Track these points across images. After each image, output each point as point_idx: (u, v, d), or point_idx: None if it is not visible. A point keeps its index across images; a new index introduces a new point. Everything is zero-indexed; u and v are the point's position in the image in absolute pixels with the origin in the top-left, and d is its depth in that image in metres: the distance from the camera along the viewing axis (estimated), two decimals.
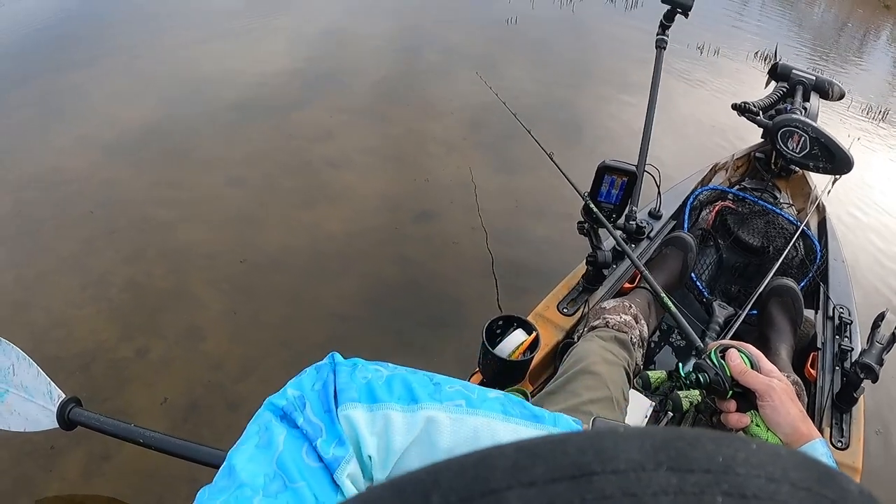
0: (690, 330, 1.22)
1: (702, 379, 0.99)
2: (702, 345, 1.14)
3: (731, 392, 0.98)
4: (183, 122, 4.28)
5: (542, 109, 4.61)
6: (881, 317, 1.77)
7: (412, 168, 3.95)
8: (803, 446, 0.89)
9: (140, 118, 4.25)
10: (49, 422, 1.94)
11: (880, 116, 6.01)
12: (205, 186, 3.62)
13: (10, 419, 1.98)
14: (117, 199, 3.45)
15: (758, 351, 1.00)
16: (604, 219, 1.76)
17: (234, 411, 2.33)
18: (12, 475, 2.10)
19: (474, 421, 0.79)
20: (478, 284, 3.02)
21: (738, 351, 1.00)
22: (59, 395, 1.95)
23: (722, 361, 0.99)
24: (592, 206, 1.74)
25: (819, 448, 0.89)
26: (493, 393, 0.85)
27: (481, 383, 1.62)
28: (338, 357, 0.83)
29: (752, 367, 0.97)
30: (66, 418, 1.91)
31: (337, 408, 0.75)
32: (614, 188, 1.74)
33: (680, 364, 1.06)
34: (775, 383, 0.94)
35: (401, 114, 4.63)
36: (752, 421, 0.97)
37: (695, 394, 1.01)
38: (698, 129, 4.84)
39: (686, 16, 2.22)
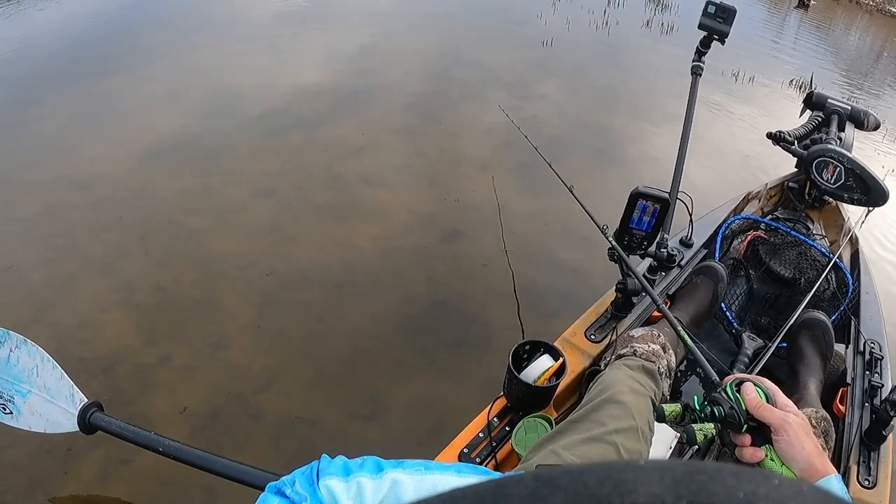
0: (706, 363, 1.20)
1: (716, 412, 0.98)
2: (717, 378, 1.11)
3: (745, 426, 0.96)
4: (217, 132, 4.33)
5: (575, 133, 4.61)
6: None
7: (443, 187, 3.95)
8: (818, 482, 0.87)
9: (174, 126, 4.31)
10: (70, 424, 1.95)
11: None
12: (236, 197, 3.65)
13: (32, 419, 2.00)
14: (149, 205, 3.49)
15: (773, 385, 0.99)
16: (624, 256, 1.75)
17: (255, 422, 2.33)
18: (29, 473, 2.12)
19: (433, 478, 0.93)
20: (505, 307, 3.00)
21: (754, 385, 0.98)
22: (81, 399, 1.96)
23: (737, 395, 0.97)
24: (614, 243, 1.73)
25: (834, 484, 0.88)
26: (450, 464, 0.99)
27: (506, 407, 1.61)
28: (325, 457, 0.95)
29: (767, 401, 0.96)
30: (86, 422, 1.92)
31: (318, 481, 0.88)
32: (646, 215, 1.72)
33: (696, 397, 1.05)
34: (791, 418, 0.93)
35: (434, 132, 4.64)
36: (766, 455, 0.95)
37: (709, 427, 1.00)
38: (732, 157, 4.80)
39: (723, 42, 2.21)
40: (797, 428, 0.91)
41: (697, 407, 1.02)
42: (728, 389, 0.98)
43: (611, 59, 6.76)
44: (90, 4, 6.54)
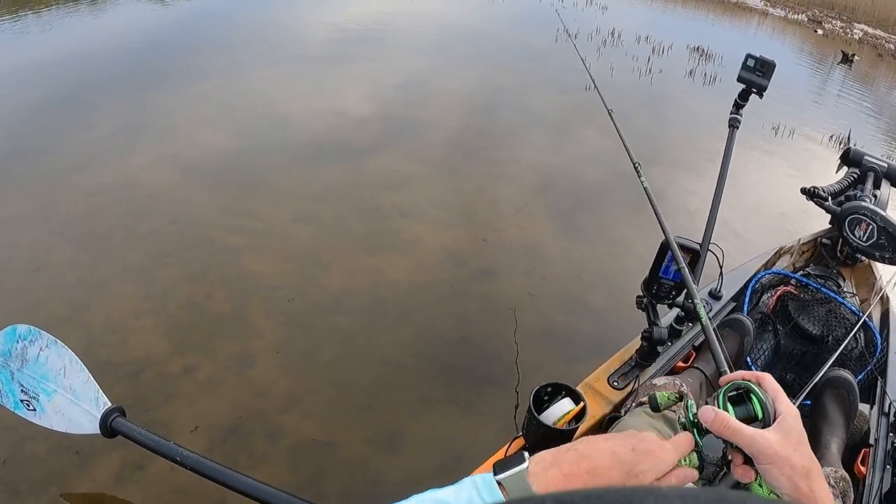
0: (720, 352, 1.11)
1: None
2: (726, 369, 0.99)
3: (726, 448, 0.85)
4: (260, 154, 4.43)
5: (612, 178, 4.62)
6: None
7: (479, 225, 3.98)
8: None
9: (220, 144, 4.41)
10: (91, 427, 1.99)
11: None
12: (275, 219, 3.71)
13: (55, 418, 2.04)
14: (188, 219, 3.57)
15: (775, 386, 0.86)
16: (652, 305, 1.74)
17: (273, 441, 2.35)
18: (46, 467, 2.16)
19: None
20: (531, 349, 2.99)
21: (750, 391, 0.85)
22: (104, 403, 2.00)
23: (728, 405, 0.85)
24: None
25: None
26: None
27: (523, 448, 1.61)
28: None
29: (762, 413, 0.83)
30: (108, 426, 1.96)
31: None
32: (676, 265, 1.73)
33: (690, 402, 0.93)
34: (760, 441, 0.80)
35: (473, 170, 4.69)
36: (756, 478, 0.83)
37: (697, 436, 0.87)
38: (768, 211, 4.77)
39: (761, 96, 2.21)
40: (772, 453, 0.79)
41: (691, 413, 0.89)
42: (720, 397, 0.86)
43: (653, 107, 6.78)
44: (147, 17, 6.73)
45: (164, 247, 3.31)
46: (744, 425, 0.81)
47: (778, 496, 0.81)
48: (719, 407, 0.85)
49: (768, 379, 0.87)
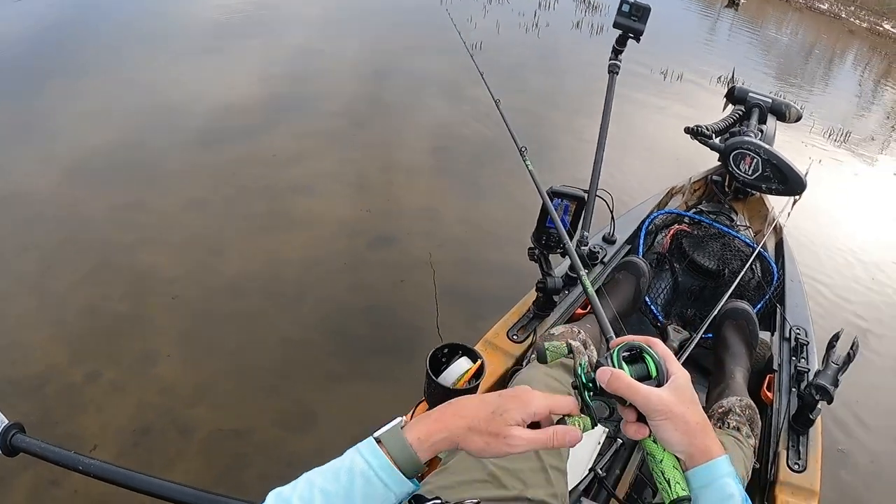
0: (605, 320, 1.11)
1: (597, 381, 0.86)
2: (612, 335, 0.97)
3: (626, 402, 0.84)
4: (147, 145, 4.24)
5: (503, 139, 4.63)
6: (836, 337, 1.76)
7: (373, 194, 3.96)
8: (702, 465, 0.81)
9: (104, 140, 4.20)
10: None
11: (842, 139, 6.13)
12: (166, 210, 3.59)
13: None
14: (77, 221, 3.41)
15: (666, 348, 0.88)
16: (544, 255, 1.76)
17: (185, 437, 2.29)
18: None
19: None
20: (431, 312, 3.01)
21: (644, 351, 0.87)
22: (1, 421, 1.91)
23: (623, 364, 0.86)
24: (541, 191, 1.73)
25: (722, 467, 0.82)
26: None
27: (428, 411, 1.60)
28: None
29: (656, 371, 0.85)
30: (8, 444, 1.86)
31: None
32: (564, 213, 1.74)
33: (582, 362, 0.92)
34: (655, 399, 0.81)
35: (366, 138, 4.66)
36: (650, 434, 0.85)
37: (590, 396, 0.87)
38: (660, 153, 4.89)
39: (637, 40, 2.25)
40: (666, 409, 0.81)
41: (581, 371, 0.89)
42: (614, 356, 0.86)
43: (542, 61, 6.83)
44: (13, 15, 6.35)
45: (55, 253, 3.16)
46: (639, 384, 0.82)
47: (671, 453, 0.84)
48: (614, 366, 0.85)
49: (659, 343, 0.89)
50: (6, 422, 1.90)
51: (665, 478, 0.83)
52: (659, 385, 0.84)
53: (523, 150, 1.81)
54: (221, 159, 4.14)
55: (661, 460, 0.84)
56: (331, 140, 4.57)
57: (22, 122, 4.34)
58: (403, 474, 0.77)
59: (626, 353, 0.88)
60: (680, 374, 0.85)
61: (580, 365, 0.91)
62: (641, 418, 0.85)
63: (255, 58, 5.91)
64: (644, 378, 0.85)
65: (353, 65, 6.07)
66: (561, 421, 0.85)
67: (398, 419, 0.82)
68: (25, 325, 2.76)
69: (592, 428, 0.87)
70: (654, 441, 0.85)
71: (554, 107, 5.57)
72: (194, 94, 5.02)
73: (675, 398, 0.82)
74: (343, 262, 3.30)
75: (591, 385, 0.88)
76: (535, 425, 0.83)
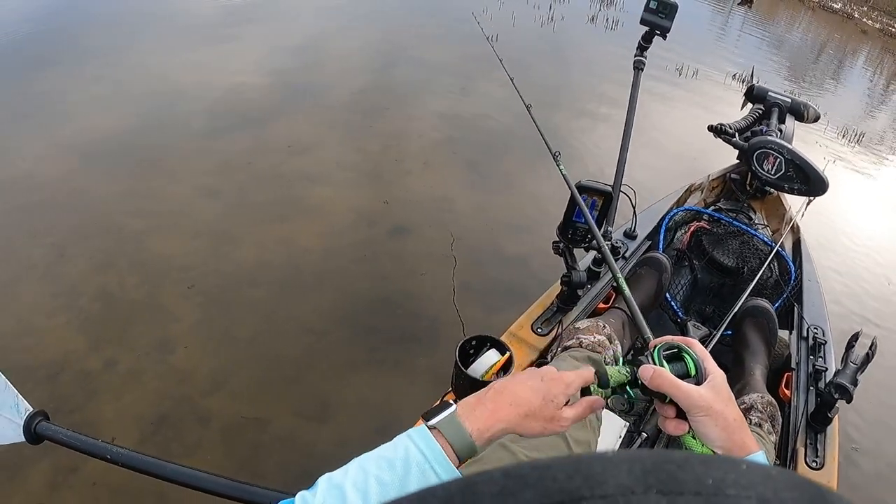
0: (642, 320, 1.15)
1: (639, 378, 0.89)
2: (650, 336, 1.03)
3: (668, 396, 0.88)
4: (157, 132, 4.24)
5: (518, 127, 4.64)
6: (855, 337, 1.77)
7: (387, 184, 3.96)
8: None
9: (114, 126, 4.20)
10: (15, 435, 1.89)
11: (855, 140, 6.11)
12: (178, 197, 3.58)
13: None
14: (89, 208, 3.41)
15: (703, 349, 0.90)
16: (569, 249, 1.75)
17: (204, 426, 2.30)
18: None
19: None
20: (452, 303, 3.01)
21: (683, 350, 0.90)
22: (26, 409, 1.90)
23: (663, 362, 0.89)
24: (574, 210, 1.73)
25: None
26: None
27: (454, 402, 1.60)
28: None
29: (695, 371, 0.87)
30: (32, 432, 1.86)
31: None
32: (593, 209, 1.74)
33: (620, 359, 1.00)
34: (696, 397, 0.84)
35: (378, 128, 4.64)
36: (689, 431, 0.88)
37: (634, 393, 0.92)
38: (675, 150, 4.88)
39: (664, 37, 2.24)
40: (707, 406, 0.83)
41: (625, 371, 0.93)
42: (655, 354, 0.90)
43: (556, 54, 6.82)
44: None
45: (68, 239, 3.15)
46: (680, 381, 0.85)
47: (709, 449, 0.86)
48: (655, 364, 0.88)
49: (697, 343, 0.91)
50: (30, 409, 1.91)
51: None
52: (698, 383, 0.86)
53: (557, 154, 1.81)
54: (235, 147, 4.13)
55: (703, 452, 0.86)
56: (343, 129, 4.56)
57: (32, 106, 4.34)
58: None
59: (666, 352, 0.91)
60: (717, 374, 0.87)
61: (622, 365, 0.95)
62: (680, 415, 0.87)
63: (266, 44, 5.91)
64: (683, 376, 0.87)
65: (368, 53, 6.06)
66: (584, 391, 0.91)
67: (452, 407, 0.82)
68: (39, 312, 2.75)
69: (608, 396, 0.93)
70: (693, 437, 0.88)
71: (569, 99, 5.56)
72: (206, 81, 5.01)
73: (714, 395, 0.84)
74: (360, 253, 3.30)
75: (631, 382, 0.92)
76: None
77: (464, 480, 0.25)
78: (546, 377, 0.87)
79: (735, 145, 2.76)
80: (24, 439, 1.87)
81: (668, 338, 0.92)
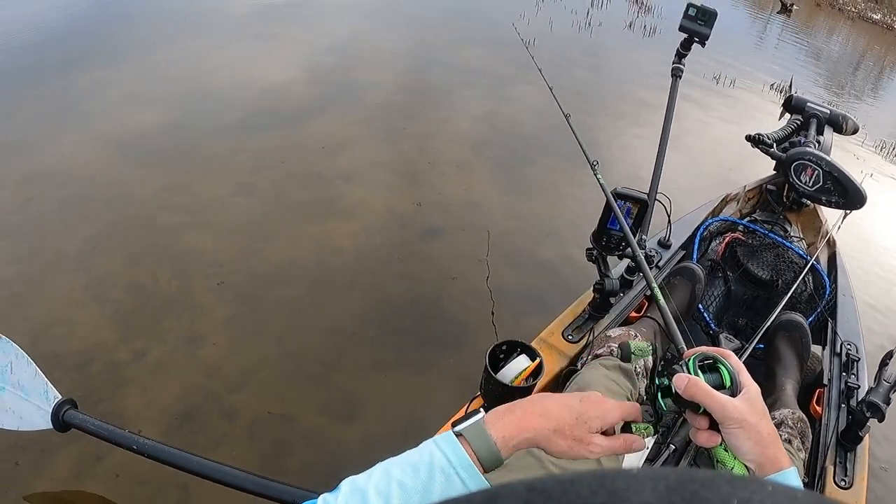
0: (676, 330, 1.14)
1: (673, 388, 0.89)
2: (684, 347, 1.03)
3: (702, 407, 0.87)
4: (194, 128, 4.29)
5: (552, 133, 4.62)
6: (889, 355, 1.74)
7: (421, 185, 3.96)
8: (772, 475, 0.82)
9: (152, 121, 4.26)
10: (43, 422, 1.92)
11: (894, 153, 6.00)
12: (213, 193, 3.62)
13: (4, 417, 1.97)
14: (125, 200, 3.45)
15: (739, 361, 0.89)
16: (603, 257, 1.73)
17: (230, 420, 2.31)
18: (1, 470, 2.08)
19: None
20: (482, 307, 3.00)
21: (718, 362, 0.89)
22: (55, 396, 1.93)
23: (699, 372, 0.88)
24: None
25: (791, 479, 0.82)
26: None
27: (483, 407, 1.60)
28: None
29: (730, 382, 0.86)
30: (60, 420, 1.89)
31: None
32: (628, 216, 1.72)
33: (659, 368, 0.97)
34: (731, 408, 0.82)
35: (413, 129, 4.65)
36: (721, 443, 0.87)
37: (666, 404, 0.92)
38: (711, 159, 4.83)
39: (703, 45, 2.22)
40: (741, 418, 0.82)
41: (657, 381, 0.94)
42: (690, 364, 0.89)
43: (594, 60, 6.80)
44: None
45: (103, 231, 3.19)
46: (715, 391, 0.84)
47: (741, 462, 0.85)
48: (690, 373, 0.87)
49: (732, 355, 0.90)
50: (59, 397, 1.93)
51: None
52: (732, 395, 0.85)
53: (595, 163, 1.79)
54: (269, 145, 4.16)
55: (732, 468, 0.86)
56: (378, 129, 4.57)
57: (67, 103, 4.41)
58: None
59: (701, 363, 0.90)
60: (752, 387, 0.86)
61: (657, 372, 0.95)
62: (713, 426, 0.86)
63: (302, 45, 5.96)
64: (717, 388, 0.86)
65: (404, 55, 6.09)
66: (626, 427, 0.89)
67: (479, 414, 0.82)
68: (71, 302, 2.79)
69: (654, 434, 0.91)
70: (725, 449, 0.87)
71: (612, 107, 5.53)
72: (241, 79, 5.07)
73: (748, 408, 0.83)
74: (393, 254, 3.30)
75: (664, 389, 0.92)
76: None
77: (486, 493, 0.25)
78: (585, 399, 0.86)
79: (773, 156, 2.72)
80: (51, 427, 1.90)
81: (703, 348, 0.92)
